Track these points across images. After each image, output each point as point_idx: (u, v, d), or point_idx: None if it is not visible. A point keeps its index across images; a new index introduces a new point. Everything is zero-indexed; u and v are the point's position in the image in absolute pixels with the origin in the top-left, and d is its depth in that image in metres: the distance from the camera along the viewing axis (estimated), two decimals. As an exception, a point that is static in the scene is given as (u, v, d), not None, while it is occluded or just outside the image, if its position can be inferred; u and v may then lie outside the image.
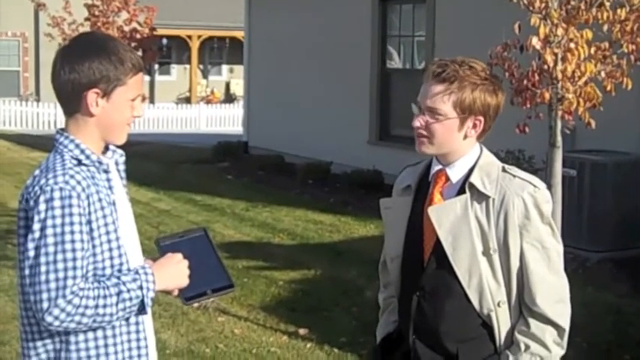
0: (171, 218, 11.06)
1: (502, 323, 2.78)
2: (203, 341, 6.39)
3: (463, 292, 2.76)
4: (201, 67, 35.13)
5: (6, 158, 17.37)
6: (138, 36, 16.09)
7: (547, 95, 5.54)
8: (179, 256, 2.65)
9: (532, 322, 2.75)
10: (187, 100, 32.95)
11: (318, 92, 14.61)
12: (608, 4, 5.44)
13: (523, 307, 2.78)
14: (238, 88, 30.87)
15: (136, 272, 2.54)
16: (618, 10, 5.45)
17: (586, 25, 5.47)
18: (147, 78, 32.82)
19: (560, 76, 5.44)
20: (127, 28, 15.68)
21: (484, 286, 2.74)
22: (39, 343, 2.58)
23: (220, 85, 35.59)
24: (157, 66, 33.17)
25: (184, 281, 2.64)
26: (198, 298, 2.70)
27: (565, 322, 2.77)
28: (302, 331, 6.57)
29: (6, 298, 7.25)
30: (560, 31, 5.39)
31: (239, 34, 24.44)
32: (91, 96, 2.57)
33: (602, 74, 5.56)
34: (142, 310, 2.55)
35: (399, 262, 2.94)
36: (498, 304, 2.76)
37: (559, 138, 5.74)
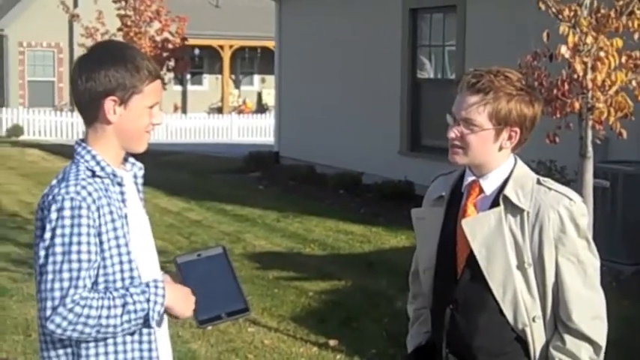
0: (202, 228, 11.09)
1: (537, 338, 2.74)
2: (233, 352, 6.40)
3: (497, 306, 2.73)
4: (233, 77, 35.30)
5: (40, 168, 17.54)
6: (170, 46, 16.24)
7: (577, 105, 5.50)
8: (188, 290, 2.62)
9: (567, 338, 2.71)
10: (219, 110, 33.11)
11: (348, 102, 14.60)
12: (638, 12, 5.40)
13: (558, 322, 2.74)
14: (270, 98, 30.95)
15: (146, 285, 2.54)
16: (649, 19, 5.41)
17: (616, 33, 5.43)
18: (179, 88, 33.05)
19: (590, 85, 5.40)
20: (158, 38, 15.84)
21: (519, 301, 2.71)
22: (52, 353, 2.61)
23: (252, 95, 35.73)
24: (188, 76, 33.41)
25: (188, 312, 2.62)
26: (213, 321, 2.67)
27: (601, 339, 2.73)
28: (332, 343, 6.55)
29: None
30: (589, 40, 5.36)
31: (270, 44, 24.49)
32: (108, 104, 2.58)
33: (634, 83, 5.51)
34: (146, 323, 2.53)
35: (432, 274, 2.91)
36: (533, 319, 2.73)
37: (589, 148, 5.69)
